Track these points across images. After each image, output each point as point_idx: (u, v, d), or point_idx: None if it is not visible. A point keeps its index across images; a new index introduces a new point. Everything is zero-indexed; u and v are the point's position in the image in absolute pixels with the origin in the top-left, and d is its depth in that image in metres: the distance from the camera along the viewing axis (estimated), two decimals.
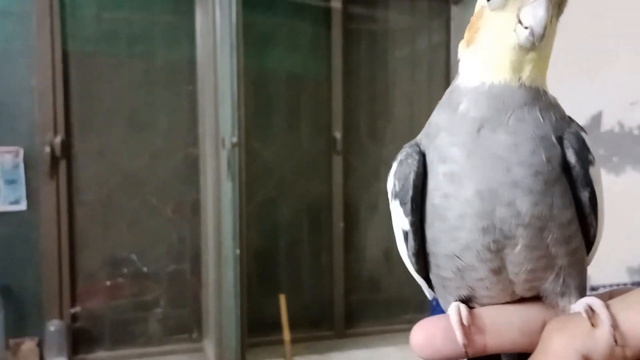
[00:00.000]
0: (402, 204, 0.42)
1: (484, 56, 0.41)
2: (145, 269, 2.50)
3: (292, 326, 2.46)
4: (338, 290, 2.69)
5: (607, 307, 0.36)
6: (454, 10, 2.73)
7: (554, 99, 0.41)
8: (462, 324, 0.39)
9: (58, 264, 2.35)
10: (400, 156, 0.43)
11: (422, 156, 0.41)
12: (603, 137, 2.04)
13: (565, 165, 0.39)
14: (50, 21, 2.30)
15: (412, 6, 2.79)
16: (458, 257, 0.40)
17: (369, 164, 2.72)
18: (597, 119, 2.06)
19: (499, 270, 0.39)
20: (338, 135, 2.61)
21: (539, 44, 0.39)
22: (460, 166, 0.39)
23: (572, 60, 2.18)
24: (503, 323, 0.40)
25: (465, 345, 0.39)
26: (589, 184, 0.40)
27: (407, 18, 2.79)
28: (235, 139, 2.11)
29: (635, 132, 1.90)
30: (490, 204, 0.38)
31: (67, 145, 2.36)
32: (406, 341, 0.42)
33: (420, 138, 0.43)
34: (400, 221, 0.43)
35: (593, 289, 1.34)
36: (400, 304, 2.79)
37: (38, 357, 2.29)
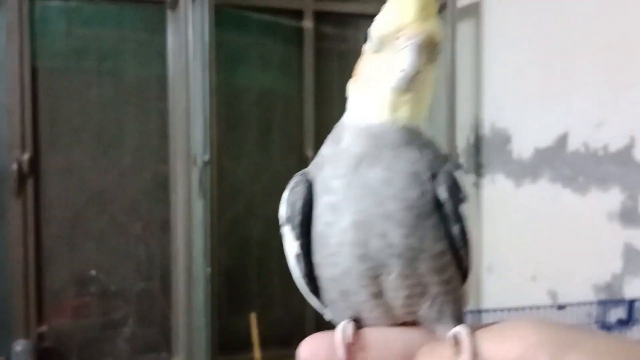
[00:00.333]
0: (292, 229, 0.45)
1: (364, 95, 0.43)
2: (113, 288, 2.47)
3: (263, 345, 2.45)
4: (309, 308, 2.67)
5: (471, 336, 0.39)
6: None
7: (430, 138, 0.43)
8: (345, 342, 0.42)
9: (24, 282, 2.31)
10: (291, 184, 0.46)
11: (310, 185, 0.44)
12: (569, 158, 2.08)
13: (438, 201, 0.42)
14: (19, 37, 2.27)
15: None
16: (340, 281, 0.43)
17: None
18: (563, 139, 2.11)
19: (378, 295, 0.42)
20: (310, 153, 2.62)
21: (411, 87, 0.41)
22: (339, 197, 0.41)
23: (538, 82, 2.23)
24: (384, 344, 0.42)
25: None
26: (460, 219, 0.42)
27: None
28: (207, 157, 2.11)
29: (600, 152, 1.95)
30: (365, 234, 0.41)
31: (34, 162, 2.32)
32: None
33: (310, 168, 0.46)
34: (291, 245, 0.46)
35: (560, 307, 1.36)
36: None
37: None
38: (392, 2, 0.42)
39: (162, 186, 2.51)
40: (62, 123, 2.39)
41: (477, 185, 2.61)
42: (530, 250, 2.29)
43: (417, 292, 0.42)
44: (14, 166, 2.26)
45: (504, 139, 2.43)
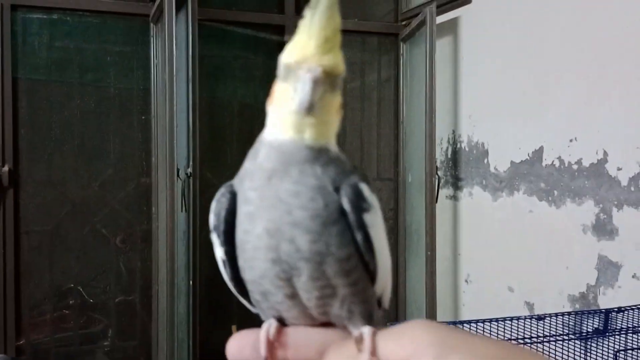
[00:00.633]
0: (218, 236, 0.49)
1: (276, 116, 0.47)
2: (92, 300, 2.45)
3: None
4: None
5: (373, 336, 0.43)
6: (403, 47, 2.83)
7: (338, 154, 0.48)
8: (268, 339, 0.46)
9: (2, 295, 2.29)
10: (217, 195, 0.50)
11: (234, 195, 0.48)
12: (544, 172, 2.14)
13: (343, 211, 0.46)
14: (0, 49, 2.27)
15: (363, 42, 2.88)
16: (259, 283, 0.47)
17: None
18: (538, 154, 2.17)
19: (292, 296, 0.46)
20: None
21: (311, 113, 0.44)
22: (255, 207, 0.46)
23: (513, 98, 2.29)
24: (303, 342, 0.47)
25: (266, 357, 0.46)
26: (363, 227, 0.46)
27: (357, 53, 2.88)
28: (190, 170, 2.12)
29: (575, 167, 2.01)
30: (276, 240, 0.45)
31: (14, 174, 2.31)
32: None
33: (235, 180, 0.50)
34: (218, 251, 0.50)
35: (540, 318, 1.40)
36: None
37: None
38: (298, 34, 0.45)
39: (144, 198, 2.51)
40: (43, 135, 2.39)
41: (454, 198, 2.66)
42: (507, 262, 2.34)
43: (327, 293, 0.46)
44: None
45: (481, 153, 2.48)
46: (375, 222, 0.47)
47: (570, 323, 1.52)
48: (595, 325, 1.48)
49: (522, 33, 2.27)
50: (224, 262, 0.50)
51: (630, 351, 1.46)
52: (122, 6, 2.45)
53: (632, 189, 1.81)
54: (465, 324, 1.45)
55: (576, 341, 1.49)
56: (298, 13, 2.71)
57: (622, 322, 1.50)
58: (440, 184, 2.63)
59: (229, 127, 2.64)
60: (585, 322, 1.52)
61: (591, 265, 1.94)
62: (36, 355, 2.37)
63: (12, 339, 2.31)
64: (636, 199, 1.80)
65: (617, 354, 1.45)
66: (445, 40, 2.67)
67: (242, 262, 0.48)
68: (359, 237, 0.46)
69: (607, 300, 1.89)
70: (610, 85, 1.89)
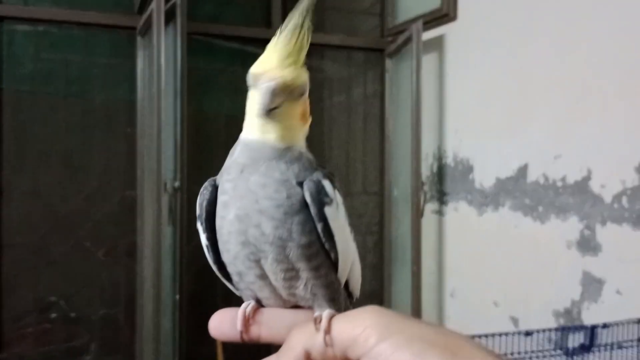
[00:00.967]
0: (200, 223, 0.56)
1: (249, 119, 0.55)
2: (75, 314, 2.42)
3: None
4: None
5: (330, 317, 0.48)
6: (389, 62, 2.86)
7: (303, 154, 0.54)
8: (245, 316, 0.53)
9: None
10: (202, 188, 0.56)
11: (216, 188, 0.55)
12: (529, 188, 2.17)
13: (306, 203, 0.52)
14: None
15: (349, 57, 2.90)
16: (234, 264, 0.54)
17: None
18: (523, 170, 2.20)
19: (262, 277, 0.53)
20: None
21: (272, 118, 0.51)
22: (229, 196, 0.53)
23: (498, 115, 2.32)
24: (277, 321, 0.54)
25: (241, 332, 0.53)
26: (323, 219, 0.52)
27: (343, 68, 2.90)
28: (177, 184, 2.11)
29: (559, 183, 2.04)
30: (245, 225, 0.52)
31: None
32: None
33: (218, 175, 0.57)
34: (202, 238, 0.57)
35: (527, 334, 1.42)
36: None
37: None
38: (266, 49, 0.52)
39: (128, 211, 2.49)
40: (28, 147, 2.36)
41: (440, 213, 2.68)
42: (492, 277, 2.36)
43: (291, 275, 0.52)
44: None
45: (466, 169, 2.51)
46: (337, 215, 0.53)
47: (556, 338, 1.54)
48: (581, 341, 1.50)
49: (507, 51, 2.30)
50: (207, 247, 0.57)
51: None
52: (108, 18, 2.44)
53: (616, 206, 1.84)
54: None
55: (562, 356, 1.50)
56: None
57: (607, 337, 1.52)
58: (426, 199, 2.65)
59: (215, 140, 2.63)
60: (569, 338, 1.54)
61: (575, 280, 1.97)
62: None
63: None
64: (619, 216, 1.83)
65: None
66: (430, 56, 2.70)
67: (220, 246, 0.55)
68: (319, 227, 0.52)
69: (590, 315, 1.91)
70: (595, 103, 1.92)
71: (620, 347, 1.53)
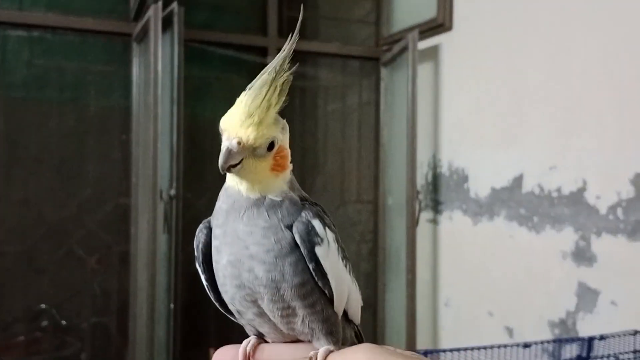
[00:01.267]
0: (199, 265, 0.59)
1: None
2: (64, 322, 2.40)
3: None
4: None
5: (326, 355, 0.52)
6: (384, 71, 2.87)
7: (283, 199, 0.55)
8: (245, 354, 0.56)
9: None
10: (197, 230, 0.59)
11: (210, 230, 0.57)
12: (524, 198, 2.18)
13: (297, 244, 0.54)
14: None
15: (344, 65, 2.90)
16: (232, 304, 0.56)
17: None
18: (518, 181, 2.21)
19: (261, 315, 0.55)
20: None
21: (235, 172, 0.53)
22: (220, 242, 0.55)
23: (493, 125, 2.33)
24: (276, 356, 0.56)
25: None
26: (314, 258, 0.54)
27: (338, 76, 2.90)
28: (173, 192, 2.10)
29: (554, 194, 2.05)
30: (238, 269, 0.54)
31: None
32: None
33: (212, 216, 0.58)
34: (202, 278, 0.59)
35: (526, 346, 1.42)
36: None
37: None
38: (236, 102, 0.53)
39: (122, 219, 2.47)
40: (20, 153, 2.34)
41: (434, 222, 2.69)
42: (487, 286, 2.36)
43: (287, 313, 0.54)
44: None
45: (461, 178, 2.52)
46: (328, 254, 0.55)
47: (553, 349, 1.54)
48: (577, 353, 1.51)
49: (502, 61, 2.31)
50: (207, 287, 0.60)
51: None
52: (103, 25, 2.42)
53: (611, 217, 1.86)
54: (448, 352, 1.46)
55: None
56: (281, 35, 2.72)
57: (604, 349, 1.53)
58: (421, 208, 2.65)
59: (209, 148, 2.63)
60: (568, 349, 1.54)
61: (570, 291, 1.98)
62: None
63: None
64: (615, 227, 1.84)
65: None
66: (426, 66, 2.71)
67: (219, 287, 0.57)
68: (311, 267, 0.53)
69: (585, 326, 1.92)
70: (590, 114, 1.94)
71: (616, 358, 1.53)
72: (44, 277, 2.38)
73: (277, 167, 0.55)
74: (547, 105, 2.10)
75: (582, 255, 1.95)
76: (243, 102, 0.52)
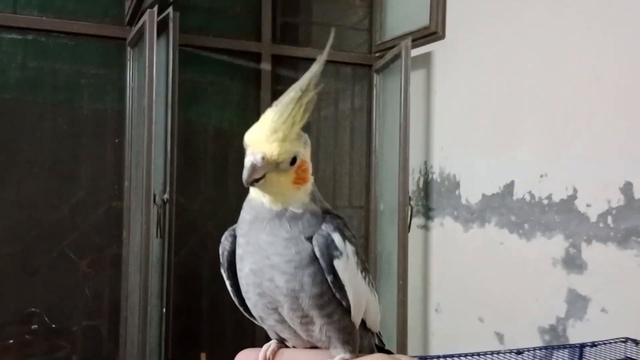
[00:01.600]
0: (223, 271, 0.61)
1: None
2: (55, 325, 2.39)
3: None
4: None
5: None
6: (376, 78, 2.89)
7: (306, 211, 0.57)
8: (265, 358, 0.59)
9: None
10: (223, 237, 0.61)
11: (235, 238, 0.59)
12: (515, 205, 2.20)
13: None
14: None
15: (337, 71, 2.92)
16: (254, 310, 0.59)
17: None
18: (509, 188, 2.23)
19: (281, 321, 0.58)
20: None
21: (258, 185, 0.54)
22: (243, 251, 0.57)
23: (485, 132, 2.36)
24: None
25: None
26: (332, 271, 0.55)
27: (331, 82, 2.92)
28: (167, 196, 2.10)
29: (545, 201, 2.07)
30: (260, 278, 0.56)
31: None
32: None
33: (237, 224, 0.60)
34: (227, 283, 0.62)
35: (519, 352, 1.44)
36: None
37: None
38: (261, 117, 0.55)
39: (115, 222, 2.47)
40: (13, 155, 2.33)
41: (425, 228, 2.70)
42: (478, 293, 2.38)
43: (306, 321, 0.56)
44: None
45: (452, 185, 2.54)
46: (347, 267, 0.56)
47: (545, 356, 1.56)
48: (568, 359, 1.52)
49: (494, 69, 2.34)
50: (231, 292, 0.62)
51: None
52: (98, 29, 2.42)
53: (601, 225, 1.88)
54: (442, 358, 1.47)
55: None
56: (275, 41, 2.74)
57: (595, 356, 1.54)
58: (412, 214, 2.67)
59: (202, 152, 2.63)
60: (560, 356, 1.56)
61: (561, 298, 2.00)
62: None
63: None
64: (605, 235, 1.87)
65: None
66: (418, 73, 2.73)
67: (242, 293, 0.59)
68: (329, 279, 0.55)
69: (576, 332, 1.94)
70: (581, 122, 1.96)
71: None
72: (36, 279, 2.37)
73: (299, 180, 0.57)
74: (539, 113, 2.12)
75: (573, 263, 1.97)
76: (269, 119, 0.54)
